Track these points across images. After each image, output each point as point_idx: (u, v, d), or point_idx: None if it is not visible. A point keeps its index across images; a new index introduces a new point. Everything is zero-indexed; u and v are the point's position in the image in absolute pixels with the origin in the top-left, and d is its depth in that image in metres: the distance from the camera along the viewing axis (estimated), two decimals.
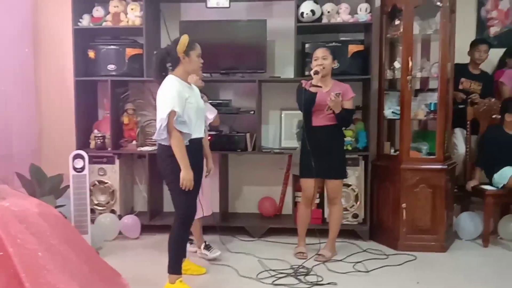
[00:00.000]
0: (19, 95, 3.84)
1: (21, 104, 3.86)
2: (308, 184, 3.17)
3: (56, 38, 4.08)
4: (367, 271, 3.00)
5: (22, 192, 3.09)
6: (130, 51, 3.75)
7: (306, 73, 3.53)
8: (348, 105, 3.10)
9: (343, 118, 3.08)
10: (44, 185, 3.38)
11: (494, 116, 3.76)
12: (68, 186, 3.53)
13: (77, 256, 2.45)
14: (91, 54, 3.79)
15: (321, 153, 3.09)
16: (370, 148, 3.69)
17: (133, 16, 3.76)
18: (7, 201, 2.33)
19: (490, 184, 3.59)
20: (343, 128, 3.31)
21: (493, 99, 3.87)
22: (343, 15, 3.67)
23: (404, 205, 3.37)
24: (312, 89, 3.02)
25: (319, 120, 3.10)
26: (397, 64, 3.59)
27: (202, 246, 3.23)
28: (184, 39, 2.58)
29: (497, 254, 3.36)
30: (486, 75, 3.96)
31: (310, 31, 3.79)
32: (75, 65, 3.76)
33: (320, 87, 3.03)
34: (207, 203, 3.19)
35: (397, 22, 3.56)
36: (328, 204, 3.33)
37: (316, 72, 3.02)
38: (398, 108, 3.51)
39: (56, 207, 3.21)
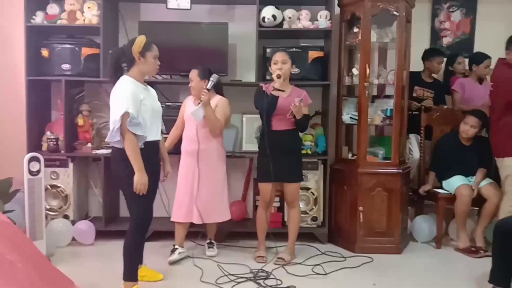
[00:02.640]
0: None
1: None
2: (266, 188, 3.18)
3: (7, 35, 3.89)
4: (326, 274, 3.04)
5: None
6: (86, 51, 3.62)
7: (268, 77, 3.54)
8: (306, 110, 3.14)
9: (302, 124, 3.12)
10: None
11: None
12: (17, 191, 3.36)
13: (26, 264, 2.32)
14: (45, 52, 3.63)
15: (279, 157, 3.10)
16: (329, 152, 3.75)
17: (90, 14, 3.65)
18: None
19: (442, 187, 3.74)
20: (303, 133, 3.35)
21: (445, 106, 4.04)
22: (303, 22, 3.72)
23: (361, 208, 3.44)
24: (274, 93, 3.04)
25: (279, 124, 3.11)
26: (355, 71, 3.67)
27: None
28: (140, 39, 2.53)
29: (448, 255, 3.49)
30: (438, 83, 4.13)
31: (271, 36, 3.81)
32: (27, 63, 3.59)
33: (283, 91, 3.05)
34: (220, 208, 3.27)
35: (355, 29, 3.64)
36: (287, 207, 3.35)
37: (279, 76, 3.04)
38: (356, 113, 3.59)
39: (4, 212, 3.04)
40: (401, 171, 3.50)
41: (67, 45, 3.63)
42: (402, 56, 3.50)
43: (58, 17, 3.67)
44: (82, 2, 3.68)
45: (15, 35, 3.79)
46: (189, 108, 3.26)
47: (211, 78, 3.13)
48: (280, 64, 3.09)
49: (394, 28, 3.54)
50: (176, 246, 3.25)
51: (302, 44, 3.84)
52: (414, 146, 4.03)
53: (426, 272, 3.15)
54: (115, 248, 3.15)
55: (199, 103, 3.08)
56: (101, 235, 3.62)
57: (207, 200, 3.21)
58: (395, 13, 3.45)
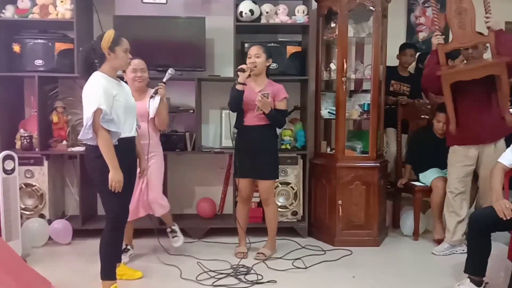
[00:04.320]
0: None
1: None
2: (243, 183, 3.17)
3: None
4: (306, 268, 3.06)
5: None
6: (59, 46, 3.53)
7: None
8: (281, 105, 3.11)
9: (275, 118, 3.08)
10: None
11: (422, 116, 3.99)
12: None
13: (1, 266, 2.27)
14: (16, 48, 3.53)
15: (252, 153, 3.09)
16: (308, 147, 3.77)
17: (63, 9, 3.55)
18: None
19: (419, 180, 3.81)
20: (281, 128, 3.33)
21: (421, 100, 4.11)
22: (281, 16, 3.72)
23: (340, 201, 3.48)
24: (238, 87, 3.01)
25: (251, 119, 3.09)
26: (333, 66, 3.70)
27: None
28: (108, 34, 2.48)
29: (425, 246, 3.56)
30: (414, 77, 4.19)
31: (249, 31, 3.80)
32: None
33: (245, 84, 3.01)
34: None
35: (332, 24, 3.66)
36: (262, 204, 3.30)
37: (241, 70, 3.01)
38: (334, 108, 3.62)
39: None
40: (378, 164, 3.54)
41: (39, 40, 3.54)
42: (379, 51, 3.53)
43: (29, 11, 3.57)
44: None
45: None
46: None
47: (169, 71, 3.08)
48: (254, 58, 3.07)
49: (370, 23, 3.57)
50: (129, 247, 3.20)
51: (280, 39, 3.84)
52: (391, 140, 4.10)
53: (404, 263, 3.21)
54: (93, 247, 3.13)
55: (152, 97, 2.99)
56: (78, 234, 3.56)
57: (157, 193, 3.14)
58: (371, 8, 3.47)
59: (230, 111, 3.59)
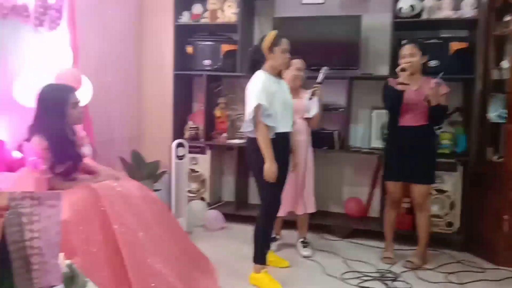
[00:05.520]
0: (123, 87, 4.14)
1: (124, 95, 4.16)
2: (393, 187, 3.05)
3: (158, 33, 4.32)
4: (462, 284, 2.81)
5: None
6: (225, 47, 3.86)
7: None
8: (443, 101, 2.91)
9: (437, 113, 2.89)
10: (142, 170, 3.64)
11: None
12: (164, 172, 3.77)
13: (171, 238, 2.58)
14: (189, 49, 3.96)
15: (407, 155, 2.94)
16: (470, 153, 3.44)
17: (229, 13, 3.88)
18: (114, 181, 2.53)
19: None
20: (437, 130, 3.11)
21: None
22: (445, 11, 3.47)
23: (506, 216, 3.09)
24: (399, 87, 2.88)
25: (407, 120, 2.95)
26: (504, 64, 3.30)
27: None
28: (270, 35, 2.63)
29: None
30: None
31: (407, 28, 3.62)
32: (175, 59, 3.96)
33: (408, 84, 2.88)
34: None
35: (507, 18, 3.27)
36: (415, 210, 3.13)
37: (403, 69, 2.89)
38: (505, 111, 3.22)
39: (153, 191, 3.43)
40: None
41: (208, 42, 3.91)
42: None
43: (201, 16, 3.99)
44: (222, 1, 3.94)
45: (164, 33, 4.19)
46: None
47: (323, 71, 3.07)
48: (408, 57, 2.93)
49: None
50: (277, 236, 3.33)
51: (442, 35, 3.58)
52: None
53: None
54: (244, 231, 3.37)
55: (311, 98, 3.06)
56: (231, 218, 3.85)
57: (311, 189, 3.22)
58: None
59: (383, 111, 3.51)
